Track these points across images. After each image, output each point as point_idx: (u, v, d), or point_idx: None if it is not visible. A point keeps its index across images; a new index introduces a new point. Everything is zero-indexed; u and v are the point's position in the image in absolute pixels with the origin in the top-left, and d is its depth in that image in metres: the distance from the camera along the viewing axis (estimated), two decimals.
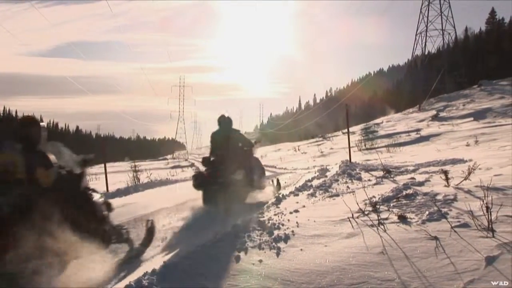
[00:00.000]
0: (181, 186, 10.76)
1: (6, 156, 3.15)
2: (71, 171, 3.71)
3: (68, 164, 3.78)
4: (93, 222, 3.56)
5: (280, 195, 6.10)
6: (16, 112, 77.73)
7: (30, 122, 3.48)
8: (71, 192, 3.53)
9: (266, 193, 6.95)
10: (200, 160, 7.39)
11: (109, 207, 4.00)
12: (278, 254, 3.07)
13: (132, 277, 2.96)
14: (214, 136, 6.73)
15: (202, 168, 6.68)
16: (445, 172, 5.02)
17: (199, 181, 6.28)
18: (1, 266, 2.75)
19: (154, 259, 3.84)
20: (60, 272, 3.03)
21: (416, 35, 46.91)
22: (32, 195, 3.08)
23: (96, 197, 3.86)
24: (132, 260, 3.84)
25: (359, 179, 6.86)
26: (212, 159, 6.49)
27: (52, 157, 3.43)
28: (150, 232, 4.47)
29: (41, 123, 3.54)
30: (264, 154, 28.05)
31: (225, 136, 6.59)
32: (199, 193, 6.38)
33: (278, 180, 8.06)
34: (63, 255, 3.04)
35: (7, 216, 2.89)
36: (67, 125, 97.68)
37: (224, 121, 6.73)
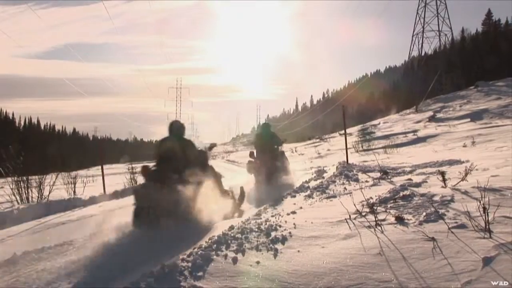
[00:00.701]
0: None
1: (170, 144, 5.25)
2: (202, 151, 5.83)
3: (200, 147, 5.89)
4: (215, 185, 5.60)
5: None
6: (13, 114, 77.26)
7: (178, 122, 5.64)
8: (203, 165, 5.53)
9: (292, 177, 9.19)
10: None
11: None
12: (275, 255, 3.07)
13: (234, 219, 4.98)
14: (257, 137, 9.85)
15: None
16: (442, 173, 5.03)
17: (251, 167, 9.10)
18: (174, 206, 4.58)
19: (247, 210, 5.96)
20: (201, 211, 4.70)
21: (412, 36, 46.87)
22: (185, 165, 5.02)
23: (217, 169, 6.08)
24: (235, 209, 5.87)
25: (356, 180, 6.87)
26: (255, 153, 9.42)
27: (193, 143, 5.50)
28: (242, 194, 6.53)
29: (181, 122, 5.67)
30: None
31: (265, 136, 9.56)
32: None
33: (294, 171, 10.53)
34: (203, 202, 4.83)
35: (180, 177, 4.83)
36: (64, 127, 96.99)
37: (265, 126, 10.07)
